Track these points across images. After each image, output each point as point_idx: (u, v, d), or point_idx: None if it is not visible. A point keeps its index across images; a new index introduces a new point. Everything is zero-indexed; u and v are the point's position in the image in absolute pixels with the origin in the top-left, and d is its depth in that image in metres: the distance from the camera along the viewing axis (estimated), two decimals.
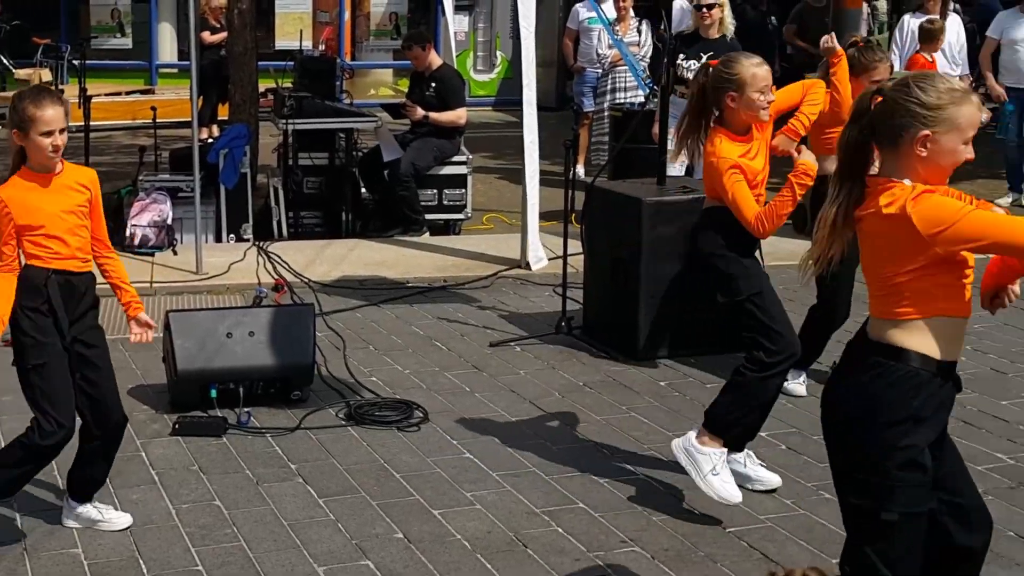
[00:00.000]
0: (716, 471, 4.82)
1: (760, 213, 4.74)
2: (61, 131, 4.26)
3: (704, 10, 8.67)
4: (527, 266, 8.48)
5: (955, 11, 12.42)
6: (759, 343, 4.84)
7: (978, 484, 3.47)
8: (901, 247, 3.11)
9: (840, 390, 3.32)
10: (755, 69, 4.83)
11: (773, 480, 5.11)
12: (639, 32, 11.79)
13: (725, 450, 4.88)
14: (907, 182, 3.13)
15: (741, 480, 5.07)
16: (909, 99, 3.15)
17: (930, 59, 10.69)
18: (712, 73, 4.85)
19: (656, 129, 8.89)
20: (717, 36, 8.78)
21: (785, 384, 5.96)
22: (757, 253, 5.09)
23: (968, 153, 3.19)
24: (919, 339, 3.15)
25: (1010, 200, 11.00)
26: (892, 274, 3.15)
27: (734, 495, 4.82)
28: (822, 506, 4.89)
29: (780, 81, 15.49)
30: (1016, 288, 3.45)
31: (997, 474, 5.26)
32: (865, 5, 13.13)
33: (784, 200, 4.68)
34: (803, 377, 6.21)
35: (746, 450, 5.14)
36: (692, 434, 4.90)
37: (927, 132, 3.13)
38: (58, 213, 4.33)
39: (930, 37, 10.57)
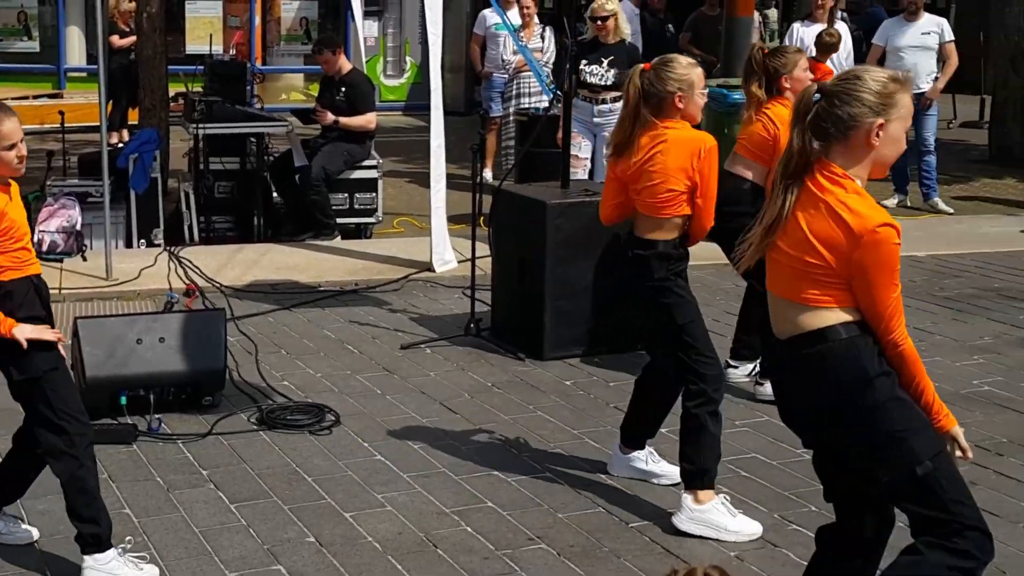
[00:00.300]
0: (733, 514, 4.75)
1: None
2: (21, 140, 4.17)
3: (599, 22, 8.89)
4: (434, 269, 8.47)
5: (842, 19, 12.63)
6: (700, 374, 4.74)
7: None
8: (830, 246, 3.20)
9: (799, 397, 3.39)
10: (698, 69, 4.85)
11: (676, 474, 5.11)
12: (543, 38, 11.82)
13: (720, 495, 4.79)
14: (859, 182, 3.23)
15: (644, 476, 5.14)
16: (862, 90, 3.23)
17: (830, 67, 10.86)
18: (654, 76, 4.83)
19: (560, 133, 9.01)
20: (615, 41, 8.92)
21: (758, 388, 6.11)
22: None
23: (904, 142, 3.31)
24: (835, 315, 3.25)
25: (896, 201, 11.18)
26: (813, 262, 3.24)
27: (756, 526, 4.75)
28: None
29: None
30: None
31: None
32: (756, 14, 13.28)
33: None
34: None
35: (647, 447, 5.19)
36: (685, 503, 4.74)
37: (881, 121, 3.22)
38: (24, 220, 4.23)
39: (829, 49, 10.71)
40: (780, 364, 3.43)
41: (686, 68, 4.79)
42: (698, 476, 4.74)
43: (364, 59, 11.32)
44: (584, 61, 8.81)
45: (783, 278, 3.33)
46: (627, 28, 9.23)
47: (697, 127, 4.96)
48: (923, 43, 11.14)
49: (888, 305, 3.20)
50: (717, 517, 4.70)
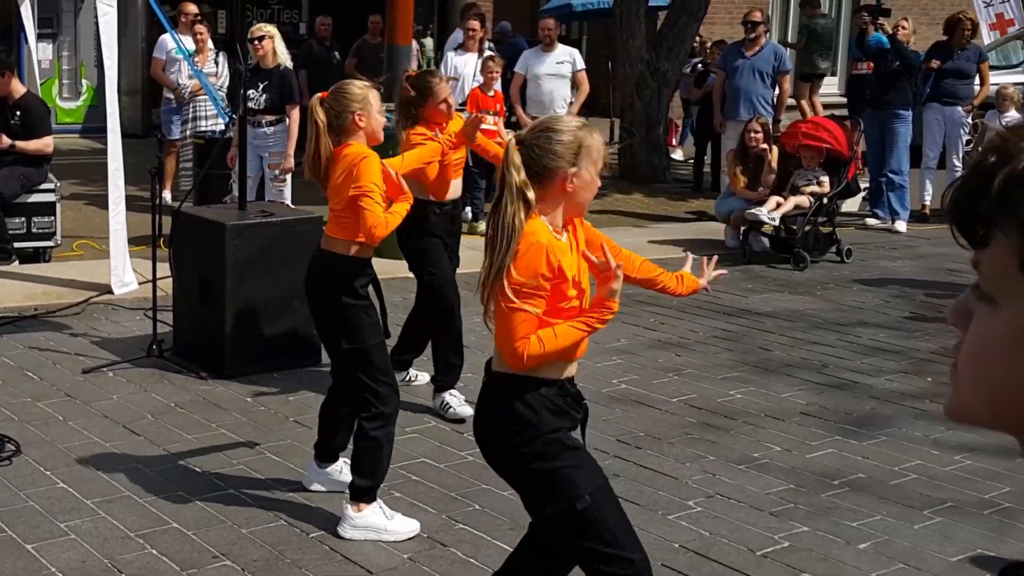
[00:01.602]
0: (390, 516, 4.67)
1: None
2: None
3: (256, 43, 8.81)
4: (113, 291, 8.03)
5: (490, 48, 12.83)
6: (378, 394, 4.64)
7: None
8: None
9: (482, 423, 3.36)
10: (374, 91, 4.75)
11: None
12: (216, 63, 11.45)
13: (378, 501, 4.71)
14: (543, 218, 3.22)
15: (341, 487, 4.97)
16: (552, 142, 3.21)
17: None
18: (332, 100, 4.67)
19: (232, 155, 8.83)
20: (273, 66, 8.82)
21: (453, 409, 5.97)
22: None
23: (599, 180, 3.32)
24: None
25: None
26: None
27: (413, 524, 4.71)
28: (391, 503, 4.90)
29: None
30: None
31: None
32: (415, 42, 13.35)
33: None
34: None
35: (341, 459, 5.07)
36: (348, 512, 4.65)
37: (573, 170, 3.21)
38: None
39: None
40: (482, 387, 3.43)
41: (361, 89, 4.73)
42: (367, 492, 4.68)
43: (39, 82, 10.63)
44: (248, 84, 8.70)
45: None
46: (284, 53, 9.12)
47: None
48: (558, 71, 11.46)
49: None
50: (376, 520, 4.66)
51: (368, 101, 4.69)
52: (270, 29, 8.90)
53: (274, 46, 8.81)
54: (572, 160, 3.22)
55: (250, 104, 8.78)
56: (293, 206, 8.54)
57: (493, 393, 3.30)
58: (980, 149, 1.09)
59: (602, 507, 3.22)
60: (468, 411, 5.77)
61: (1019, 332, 1.04)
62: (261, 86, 8.87)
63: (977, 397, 1.08)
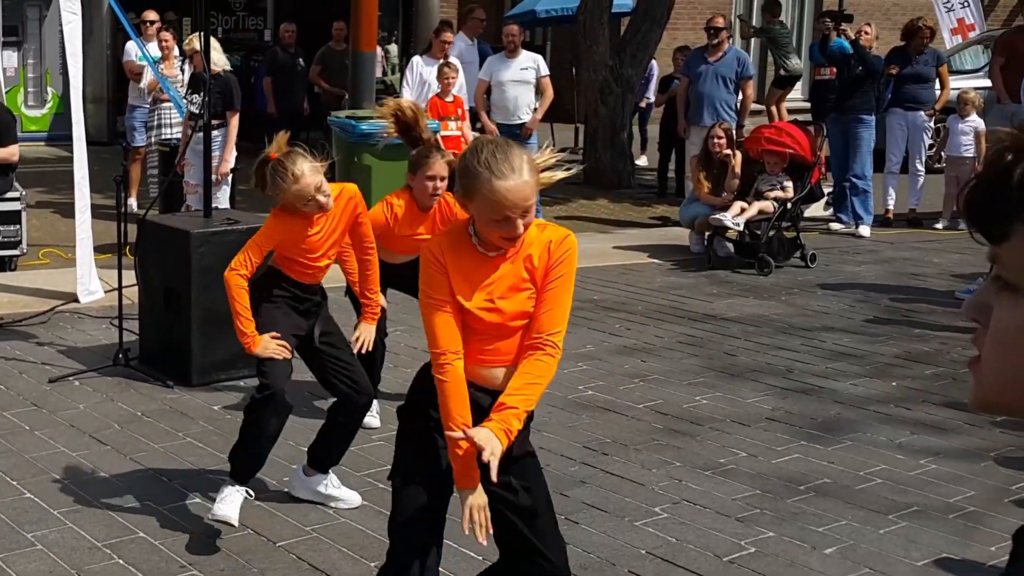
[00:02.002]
0: (337, 487, 5.03)
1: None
2: None
3: (191, 57, 9.11)
4: (79, 300, 7.97)
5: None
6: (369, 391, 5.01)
7: None
8: None
9: None
10: (314, 179, 4.67)
11: (355, 499, 5.03)
12: (182, 70, 11.38)
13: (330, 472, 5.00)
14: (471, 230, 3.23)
15: (324, 500, 4.99)
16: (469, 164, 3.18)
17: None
18: (272, 170, 4.67)
19: (184, 162, 8.89)
20: (215, 74, 8.86)
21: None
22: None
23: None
24: None
25: None
26: None
27: (356, 496, 5.01)
28: (358, 512, 4.88)
29: (312, 117, 15.50)
30: None
31: None
32: (379, 48, 13.33)
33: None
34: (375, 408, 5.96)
35: (330, 472, 5.05)
36: (299, 475, 5.01)
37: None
38: None
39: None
40: None
41: (299, 168, 4.61)
42: (328, 463, 5.00)
43: (4, 90, 10.53)
44: (190, 91, 8.78)
45: None
46: (223, 61, 9.18)
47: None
48: (522, 77, 11.45)
49: None
50: (323, 489, 4.98)
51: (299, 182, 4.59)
52: (194, 45, 8.99)
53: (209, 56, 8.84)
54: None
55: (192, 108, 8.90)
56: (231, 208, 8.69)
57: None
58: (991, 148, 1.13)
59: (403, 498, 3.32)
60: None
61: None
62: (202, 92, 8.94)
63: (1007, 384, 1.12)
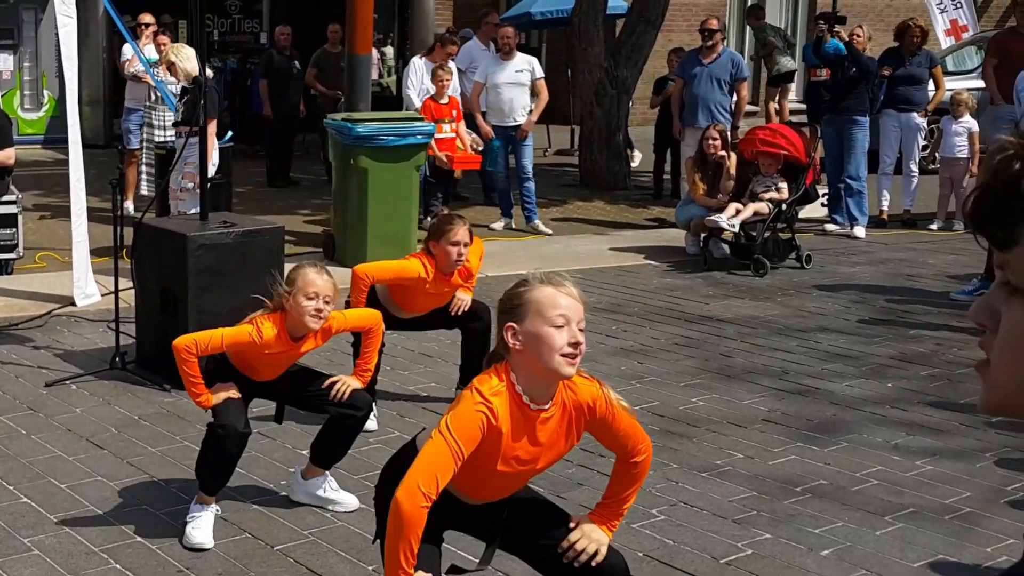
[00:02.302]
0: (336, 489, 5.00)
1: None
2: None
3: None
4: (76, 303, 7.95)
5: (452, 58, 12.81)
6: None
7: None
8: None
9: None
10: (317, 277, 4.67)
11: (352, 502, 5.01)
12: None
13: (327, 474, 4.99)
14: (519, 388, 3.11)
15: (322, 503, 4.99)
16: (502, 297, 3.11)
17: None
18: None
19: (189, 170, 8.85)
20: (189, 82, 8.83)
21: None
22: None
23: (561, 336, 2.94)
24: None
25: (502, 224, 11.42)
26: None
27: (354, 499, 4.99)
28: (356, 516, 4.87)
29: (308, 120, 15.46)
30: None
31: None
32: (375, 51, 13.32)
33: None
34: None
35: (327, 475, 5.03)
36: (297, 479, 5.04)
37: (513, 324, 3.01)
38: None
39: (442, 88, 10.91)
40: None
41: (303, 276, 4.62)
42: (330, 461, 4.99)
43: (0, 93, 10.51)
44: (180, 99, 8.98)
45: None
46: (191, 69, 9.15)
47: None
48: (517, 80, 11.44)
49: None
50: (321, 492, 4.96)
51: (297, 285, 4.60)
52: (170, 56, 8.97)
53: (182, 67, 8.79)
54: (508, 315, 2.98)
55: (176, 117, 8.97)
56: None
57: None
58: (998, 155, 1.13)
59: None
60: None
61: None
62: (183, 100, 8.93)
63: (1020, 388, 1.12)
